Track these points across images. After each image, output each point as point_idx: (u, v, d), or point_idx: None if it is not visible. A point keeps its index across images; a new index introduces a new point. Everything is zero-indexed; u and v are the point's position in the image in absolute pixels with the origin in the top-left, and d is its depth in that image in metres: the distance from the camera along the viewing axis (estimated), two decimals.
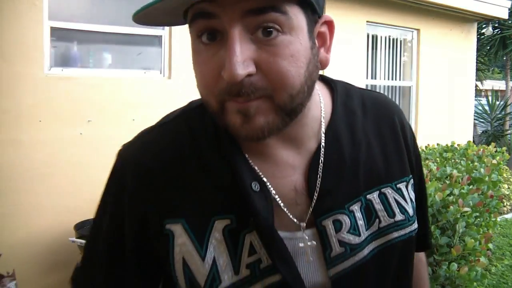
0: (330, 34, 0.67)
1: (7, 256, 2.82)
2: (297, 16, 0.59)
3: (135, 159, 0.74)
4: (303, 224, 0.67)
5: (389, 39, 5.86)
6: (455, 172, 3.26)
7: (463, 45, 6.60)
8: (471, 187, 2.99)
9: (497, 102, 10.56)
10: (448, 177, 3.36)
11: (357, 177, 0.70)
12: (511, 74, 10.69)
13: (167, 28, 3.75)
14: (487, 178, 3.30)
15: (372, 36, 5.60)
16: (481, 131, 10.56)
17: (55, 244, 3.18)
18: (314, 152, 0.70)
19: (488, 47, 10.89)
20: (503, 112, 10.37)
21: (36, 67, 3.15)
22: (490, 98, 10.66)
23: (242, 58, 0.55)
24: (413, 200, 0.75)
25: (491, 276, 3.90)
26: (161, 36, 3.74)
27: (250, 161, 0.67)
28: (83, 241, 2.79)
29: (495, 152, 5.02)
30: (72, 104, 3.29)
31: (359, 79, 5.35)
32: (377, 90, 5.78)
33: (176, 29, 3.76)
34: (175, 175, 0.68)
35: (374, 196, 0.71)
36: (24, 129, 3.10)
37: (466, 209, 2.53)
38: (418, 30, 5.99)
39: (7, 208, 3.05)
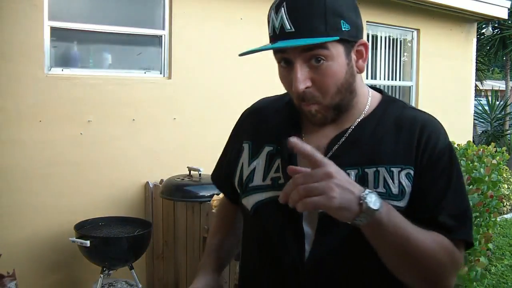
0: (366, 51, 0.98)
1: (7, 256, 2.82)
2: (337, 48, 0.92)
3: (252, 106, 1.21)
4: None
5: (389, 39, 5.86)
6: None
7: (463, 45, 6.60)
8: (471, 187, 2.99)
9: (497, 102, 10.56)
10: None
11: (362, 154, 1.00)
12: (511, 74, 10.70)
13: (167, 28, 3.75)
14: (487, 178, 3.30)
15: (372, 36, 5.60)
16: (481, 131, 10.56)
17: (55, 244, 3.18)
18: (343, 130, 1.02)
19: (488, 47, 10.90)
20: (503, 112, 10.38)
21: (36, 67, 3.15)
22: (490, 98, 10.66)
23: (302, 79, 0.92)
24: (403, 183, 0.97)
25: (490, 276, 3.90)
26: (161, 36, 3.74)
27: (302, 125, 1.06)
28: (83, 241, 2.79)
29: (495, 152, 5.02)
30: (72, 104, 3.29)
31: None
32: None
33: (176, 29, 3.76)
34: (263, 117, 1.14)
35: (370, 171, 0.98)
36: (24, 129, 3.11)
37: None
38: (418, 30, 5.99)
39: (7, 208, 3.05)
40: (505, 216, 5.76)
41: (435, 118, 1.10)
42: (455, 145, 5.24)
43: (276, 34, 0.92)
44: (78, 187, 3.31)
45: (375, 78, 5.71)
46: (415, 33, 6.01)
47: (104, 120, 3.40)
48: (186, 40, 3.83)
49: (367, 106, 1.04)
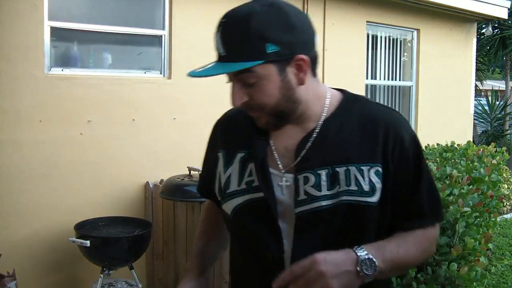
0: (305, 65, 1.00)
1: (7, 256, 2.82)
2: (267, 69, 0.97)
3: (222, 115, 1.26)
4: (283, 171, 1.07)
5: (389, 39, 5.86)
6: (455, 172, 3.26)
7: (463, 45, 6.60)
8: (471, 187, 2.99)
9: (497, 102, 10.56)
10: (448, 177, 3.36)
11: (331, 153, 1.05)
12: (511, 74, 10.70)
13: (167, 28, 3.75)
14: (487, 178, 3.30)
15: (372, 36, 5.60)
16: (481, 131, 10.56)
17: (55, 244, 3.18)
18: (309, 131, 1.07)
19: (488, 47, 10.89)
20: (503, 112, 10.37)
21: (36, 67, 3.15)
22: (490, 98, 10.66)
23: (237, 96, 1.00)
24: (373, 180, 1.03)
25: (491, 276, 3.90)
26: (161, 36, 3.74)
27: (274, 128, 1.08)
28: (83, 241, 2.79)
29: (495, 152, 5.02)
30: (72, 104, 3.28)
31: (359, 79, 5.36)
32: (377, 90, 5.79)
33: (176, 29, 3.76)
34: (234, 125, 1.18)
35: (341, 169, 1.03)
36: (24, 129, 3.10)
37: (466, 209, 2.53)
38: (418, 30, 5.99)
39: (7, 208, 3.05)
40: (505, 216, 5.76)
41: (397, 112, 1.16)
42: (455, 145, 5.24)
43: (217, 55, 1.00)
44: (78, 187, 3.31)
45: (375, 78, 5.71)
46: (415, 33, 6.01)
47: (104, 120, 3.40)
48: (186, 40, 3.83)
49: (326, 107, 1.08)
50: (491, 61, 12.36)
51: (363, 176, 1.03)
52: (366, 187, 1.03)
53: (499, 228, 5.15)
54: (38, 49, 3.16)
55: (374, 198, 1.03)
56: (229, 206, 1.11)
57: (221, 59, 0.98)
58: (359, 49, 5.32)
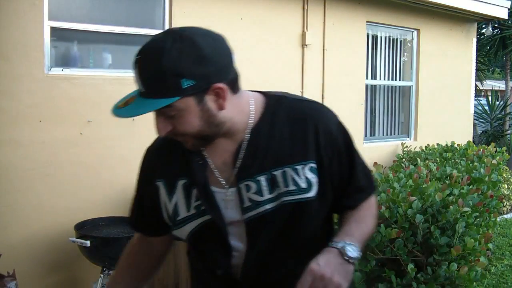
0: (222, 92, 1.02)
1: (7, 256, 2.82)
2: (185, 102, 0.99)
3: (150, 148, 1.27)
4: (227, 185, 1.12)
5: (389, 39, 5.86)
6: (455, 172, 3.26)
7: (463, 45, 6.60)
8: (471, 187, 2.99)
9: (497, 102, 10.56)
10: (448, 177, 3.36)
11: (266, 159, 1.10)
12: (511, 74, 10.69)
13: (167, 28, 3.75)
14: (487, 178, 3.30)
15: (372, 36, 5.60)
16: (481, 131, 10.56)
17: (55, 244, 3.18)
18: (240, 142, 1.11)
19: (488, 47, 10.89)
20: (503, 112, 10.37)
21: (36, 67, 3.15)
22: (490, 98, 10.65)
23: (161, 127, 1.04)
24: (308, 177, 1.11)
25: (490, 276, 3.90)
26: None
27: (202, 148, 1.12)
28: (83, 241, 2.79)
29: (495, 152, 5.03)
30: (72, 104, 3.28)
31: (359, 79, 5.36)
32: (377, 90, 5.79)
33: None
34: (166, 153, 1.19)
35: (278, 172, 1.10)
36: (24, 129, 3.10)
37: (466, 209, 2.53)
38: (418, 30, 5.99)
39: (7, 208, 3.05)
40: (505, 216, 5.75)
41: (319, 104, 1.21)
42: (456, 145, 5.24)
43: (138, 90, 1.03)
44: (78, 187, 3.31)
45: (375, 78, 5.71)
46: (415, 33, 6.01)
47: (104, 120, 3.40)
48: None
49: (252, 115, 1.12)
50: (491, 61, 12.36)
51: (298, 175, 1.10)
52: (303, 185, 1.10)
53: (499, 228, 5.14)
54: (38, 49, 3.16)
55: (312, 193, 1.11)
56: (183, 232, 1.16)
57: (142, 94, 1.01)
58: (359, 49, 5.32)
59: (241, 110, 1.10)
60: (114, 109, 1.07)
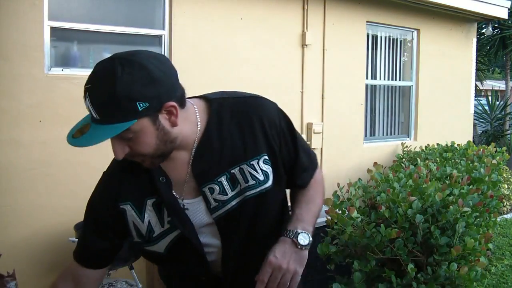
0: (174, 109, 1.08)
1: (7, 256, 2.82)
2: (140, 124, 1.03)
3: (108, 171, 1.30)
4: (192, 194, 1.19)
5: (389, 39, 5.86)
6: (455, 172, 3.26)
7: (463, 45, 6.60)
8: (471, 187, 2.98)
9: (497, 102, 10.55)
10: (448, 177, 3.35)
11: (222, 160, 1.18)
12: (511, 74, 10.69)
13: (167, 28, 3.75)
14: (487, 178, 3.30)
15: (372, 36, 5.60)
16: (481, 131, 10.55)
17: (55, 244, 3.18)
18: (193, 151, 1.17)
19: (488, 47, 10.89)
20: (503, 112, 10.36)
21: (36, 67, 3.15)
22: (490, 98, 10.65)
23: (118, 150, 1.08)
24: (264, 169, 1.21)
25: (491, 276, 3.90)
26: (161, 36, 3.74)
27: (161, 165, 1.18)
28: None
29: (495, 152, 5.02)
30: (72, 104, 3.28)
31: (359, 79, 5.36)
32: (377, 90, 5.78)
33: (176, 29, 3.76)
34: (126, 176, 1.22)
35: (236, 171, 1.19)
36: (24, 129, 3.11)
37: (466, 209, 2.53)
38: (418, 30, 5.99)
39: (7, 208, 3.05)
40: (505, 216, 5.76)
41: (258, 97, 1.28)
42: (455, 145, 5.24)
43: (91, 117, 1.06)
44: (78, 187, 3.31)
45: (375, 78, 5.71)
46: (415, 33, 6.01)
47: None
48: (186, 40, 3.83)
49: (199, 123, 1.18)
50: (491, 61, 12.35)
51: (255, 169, 1.20)
52: (261, 177, 1.21)
53: (499, 228, 5.14)
54: (38, 49, 3.16)
55: (270, 182, 1.22)
56: (161, 246, 1.22)
57: (96, 121, 1.04)
58: (359, 49, 5.32)
59: (190, 121, 1.16)
60: (69, 139, 1.10)
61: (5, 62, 3.03)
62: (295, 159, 1.29)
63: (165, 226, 1.20)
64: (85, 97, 1.05)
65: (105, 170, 1.30)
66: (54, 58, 3.32)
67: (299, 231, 1.16)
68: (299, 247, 1.14)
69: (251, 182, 1.19)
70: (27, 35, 3.11)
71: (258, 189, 1.20)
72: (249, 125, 1.20)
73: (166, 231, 1.20)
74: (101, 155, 3.39)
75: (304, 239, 1.16)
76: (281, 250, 1.14)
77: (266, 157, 1.22)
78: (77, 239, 2.83)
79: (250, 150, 1.20)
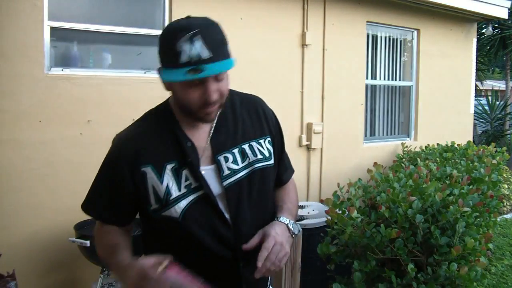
0: None
1: (7, 256, 2.82)
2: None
3: (125, 135, 1.37)
4: (210, 162, 1.32)
5: (389, 39, 5.86)
6: (455, 172, 3.26)
7: (463, 45, 6.60)
8: (471, 187, 2.98)
9: (497, 102, 10.55)
10: (448, 177, 3.35)
11: (236, 136, 1.36)
12: (511, 74, 10.69)
13: None
14: (487, 178, 3.30)
15: (372, 36, 5.60)
16: (481, 131, 10.56)
17: (55, 244, 3.18)
18: (212, 124, 1.35)
19: (488, 47, 10.89)
20: (503, 112, 10.36)
21: (36, 67, 3.15)
22: (490, 98, 10.65)
23: (214, 91, 1.21)
24: (269, 148, 1.41)
25: (491, 276, 3.90)
26: None
27: (186, 132, 1.32)
28: (83, 241, 2.79)
29: (495, 152, 5.02)
30: (72, 104, 3.29)
31: (359, 79, 5.36)
32: (377, 90, 5.79)
33: None
34: (145, 141, 1.31)
35: (246, 146, 1.37)
36: (24, 129, 3.11)
37: (466, 209, 2.53)
38: (418, 30, 5.99)
39: (7, 208, 3.05)
40: (505, 216, 5.76)
41: (255, 95, 1.50)
42: (456, 145, 5.24)
43: (195, 60, 1.14)
44: (78, 187, 3.30)
45: (375, 78, 5.71)
46: (415, 33, 6.01)
47: (104, 120, 3.40)
48: None
49: None
50: (491, 61, 12.35)
51: (262, 147, 1.39)
52: (266, 154, 1.40)
53: (499, 228, 5.15)
54: (38, 49, 3.16)
55: (272, 161, 1.41)
56: (177, 210, 1.28)
57: (206, 61, 1.15)
58: (359, 49, 5.32)
59: None
60: (199, 72, 1.15)
61: (5, 62, 3.03)
62: (282, 153, 1.50)
63: (182, 190, 1.28)
64: (192, 40, 1.14)
65: (117, 135, 1.38)
66: (54, 58, 3.32)
67: (291, 221, 1.38)
68: (291, 233, 1.36)
69: (259, 156, 1.37)
70: (27, 35, 3.11)
71: (264, 163, 1.37)
72: (255, 112, 1.43)
73: (182, 194, 1.28)
74: (101, 155, 3.40)
75: (295, 229, 1.37)
76: (280, 230, 1.32)
77: (269, 139, 1.43)
78: (77, 239, 2.84)
79: (258, 131, 1.41)
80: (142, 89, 3.57)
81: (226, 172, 1.32)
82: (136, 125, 1.38)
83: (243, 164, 1.34)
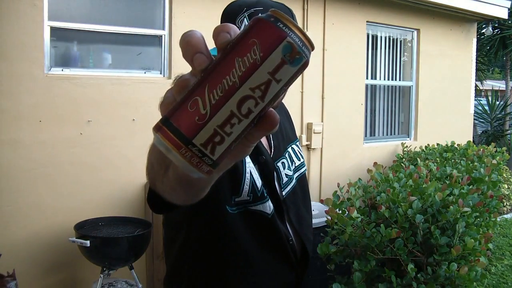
0: None
1: (7, 256, 2.82)
2: None
3: None
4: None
5: (389, 39, 5.86)
6: (455, 172, 3.26)
7: (463, 45, 6.59)
8: (471, 187, 2.99)
9: (497, 102, 10.55)
10: (448, 177, 3.35)
11: (284, 139, 1.28)
12: (511, 74, 10.69)
13: (167, 28, 3.75)
14: (487, 178, 3.30)
15: (372, 36, 5.60)
16: (481, 131, 10.55)
17: (55, 244, 3.18)
18: None
19: (488, 47, 10.88)
20: (503, 112, 10.36)
21: (36, 67, 3.15)
22: (490, 98, 10.65)
23: None
24: (301, 152, 1.33)
25: (491, 276, 3.90)
26: (161, 36, 3.74)
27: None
28: (83, 241, 2.79)
29: (495, 152, 5.02)
30: (72, 104, 3.28)
31: (359, 79, 5.36)
32: (377, 90, 5.79)
33: (176, 29, 3.76)
34: None
35: (290, 149, 1.29)
36: (24, 129, 3.10)
37: (466, 209, 2.53)
38: (418, 30, 5.99)
39: (7, 208, 3.05)
40: (505, 216, 5.76)
41: None
42: (455, 145, 5.24)
43: None
44: (78, 187, 3.31)
45: (375, 78, 5.71)
46: (415, 33, 6.01)
47: (104, 120, 3.40)
48: None
49: None
50: (491, 61, 12.34)
51: (300, 149, 1.34)
52: (302, 158, 1.33)
53: (499, 228, 5.15)
54: (38, 49, 3.16)
55: (306, 167, 1.35)
56: (266, 207, 1.16)
57: None
58: (359, 49, 5.32)
59: None
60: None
61: (5, 62, 3.03)
62: None
63: (260, 191, 1.17)
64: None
65: None
66: (54, 58, 3.32)
67: None
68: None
69: (301, 160, 1.31)
70: (27, 35, 3.11)
71: (303, 169, 1.31)
72: (285, 113, 1.37)
73: (265, 196, 1.17)
74: (101, 155, 3.40)
75: None
76: None
77: (298, 142, 1.38)
78: (77, 239, 2.84)
79: (292, 133, 1.35)
80: (142, 89, 3.57)
81: (285, 179, 1.22)
82: None
83: (293, 168, 1.26)
